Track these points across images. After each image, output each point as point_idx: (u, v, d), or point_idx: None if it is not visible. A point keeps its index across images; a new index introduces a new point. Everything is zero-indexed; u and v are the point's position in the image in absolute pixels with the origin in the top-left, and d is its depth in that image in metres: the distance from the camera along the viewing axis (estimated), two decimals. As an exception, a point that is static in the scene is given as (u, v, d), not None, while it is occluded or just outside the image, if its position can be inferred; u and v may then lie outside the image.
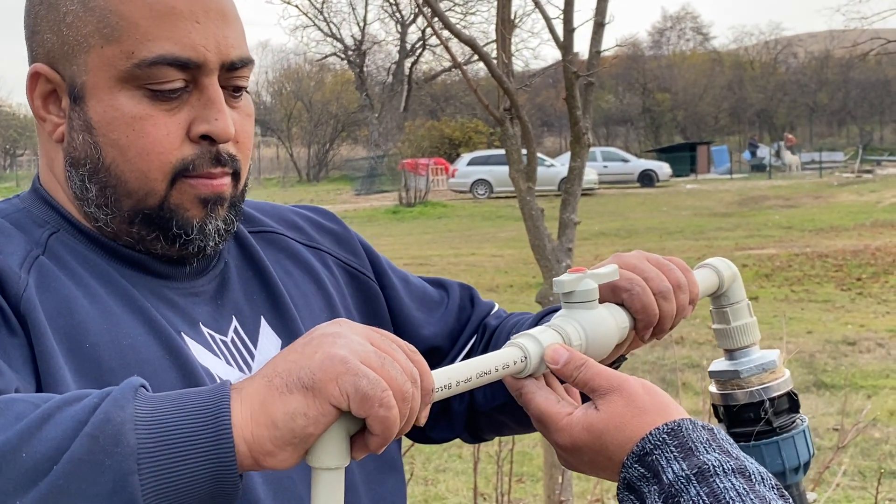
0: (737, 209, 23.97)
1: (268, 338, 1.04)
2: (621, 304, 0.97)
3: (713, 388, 1.00)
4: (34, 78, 0.98)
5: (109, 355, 0.90)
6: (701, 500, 0.74)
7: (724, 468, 0.75)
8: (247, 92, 1.02)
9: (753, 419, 0.95)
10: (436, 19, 3.98)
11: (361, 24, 46.12)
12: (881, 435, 5.89)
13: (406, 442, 1.24)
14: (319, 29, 45.87)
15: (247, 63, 0.98)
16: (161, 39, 0.92)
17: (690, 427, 0.79)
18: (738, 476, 0.75)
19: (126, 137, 0.94)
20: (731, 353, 1.01)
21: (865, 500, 3.78)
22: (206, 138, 0.95)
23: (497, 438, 1.99)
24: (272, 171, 47.88)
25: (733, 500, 0.73)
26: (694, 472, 0.75)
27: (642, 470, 0.78)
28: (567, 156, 3.35)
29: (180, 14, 0.93)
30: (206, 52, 0.94)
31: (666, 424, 0.80)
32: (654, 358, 6.73)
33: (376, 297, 1.17)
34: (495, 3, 3.82)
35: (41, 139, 1.01)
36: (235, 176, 0.99)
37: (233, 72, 0.97)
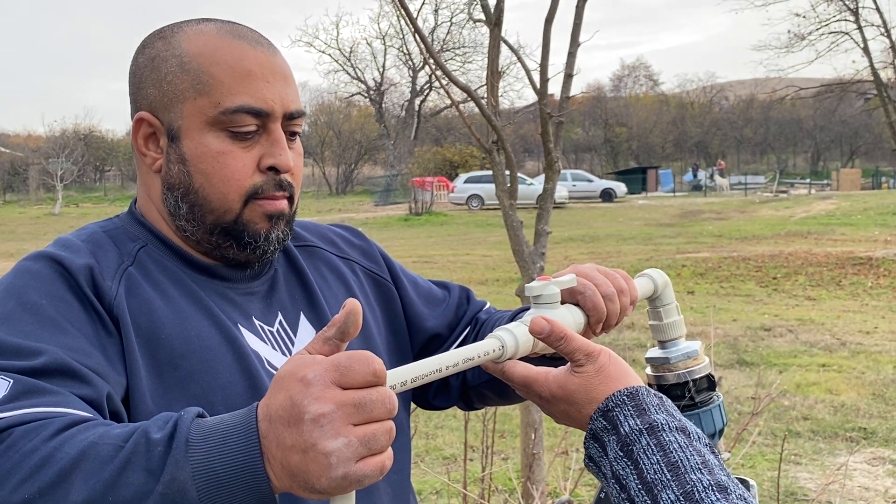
0: (678, 220, 23.86)
1: (305, 329, 1.05)
2: (577, 305, 0.98)
3: (648, 371, 1.00)
4: (139, 123, 0.99)
5: (179, 343, 0.91)
6: (650, 449, 0.74)
7: (669, 426, 0.75)
8: (300, 137, 1.03)
9: (680, 396, 0.95)
10: (438, 69, 4.00)
11: (381, 70, 46.10)
12: (789, 403, 5.88)
13: (413, 406, 1.25)
14: (347, 73, 45.98)
15: (301, 114, 1.01)
16: (241, 94, 0.95)
17: (645, 393, 0.79)
18: (679, 433, 0.75)
19: (212, 167, 0.96)
20: (663, 344, 1.01)
21: (774, 454, 3.78)
22: (272, 169, 0.97)
23: (484, 404, 1.99)
24: (308, 186, 47.64)
25: (675, 451, 0.73)
26: (646, 427, 0.75)
27: (605, 423, 0.77)
28: (543, 176, 3.37)
29: (255, 75, 0.96)
30: (273, 104, 0.96)
31: (626, 388, 0.79)
32: (611, 339, 6.73)
33: (392, 297, 1.17)
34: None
35: (140, 170, 1.02)
36: (290, 199, 1.01)
37: (291, 120, 0.99)
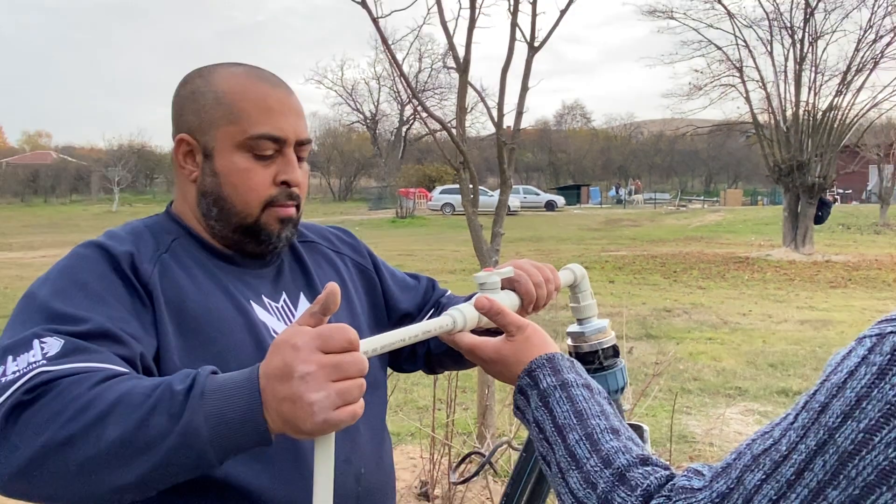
0: (603, 227, 24.08)
1: (304, 306, 1.04)
2: (514, 290, 0.98)
3: (569, 342, 1.00)
4: (179, 142, 0.98)
5: (202, 314, 0.91)
6: (562, 401, 0.74)
7: (577, 383, 0.75)
8: (306, 161, 1.02)
9: (591, 361, 0.96)
10: (419, 105, 3.99)
11: (375, 104, 46.15)
12: (683, 367, 5.94)
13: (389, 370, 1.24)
14: (349, 105, 46.18)
15: (309, 142, 1.00)
16: (263, 124, 0.94)
17: (560, 357, 0.79)
18: (584, 388, 0.75)
19: (238, 180, 0.95)
20: (580, 321, 1.01)
21: (670, 406, 3.84)
22: (285, 183, 0.97)
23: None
24: (315, 194, 47.38)
25: (581, 402, 0.73)
26: (559, 383, 0.75)
27: (529, 380, 0.77)
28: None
29: (275, 110, 0.95)
30: (288, 133, 0.96)
31: (546, 354, 0.79)
32: (549, 318, 6.78)
33: (374, 283, 1.16)
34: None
35: (178, 180, 1.01)
36: (297, 207, 1.01)
37: (300, 146, 0.99)
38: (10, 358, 0.74)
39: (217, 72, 0.98)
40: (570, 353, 0.98)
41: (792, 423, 0.54)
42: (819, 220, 15.59)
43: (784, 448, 0.53)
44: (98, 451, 0.66)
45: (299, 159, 0.99)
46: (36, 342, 0.75)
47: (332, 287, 0.69)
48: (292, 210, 0.99)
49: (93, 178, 43.07)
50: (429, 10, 3.71)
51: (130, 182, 42.86)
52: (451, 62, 3.72)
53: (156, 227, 0.99)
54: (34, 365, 0.72)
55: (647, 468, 0.64)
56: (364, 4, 3.53)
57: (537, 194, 35.40)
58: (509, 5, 3.65)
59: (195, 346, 0.88)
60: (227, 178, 0.95)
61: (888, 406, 0.48)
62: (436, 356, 1.15)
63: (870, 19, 15.46)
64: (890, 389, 0.49)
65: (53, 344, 0.75)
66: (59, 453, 0.67)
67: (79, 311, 0.80)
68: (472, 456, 1.14)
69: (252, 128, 0.94)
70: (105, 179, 39.89)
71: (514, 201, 27.69)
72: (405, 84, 3.93)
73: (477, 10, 3.64)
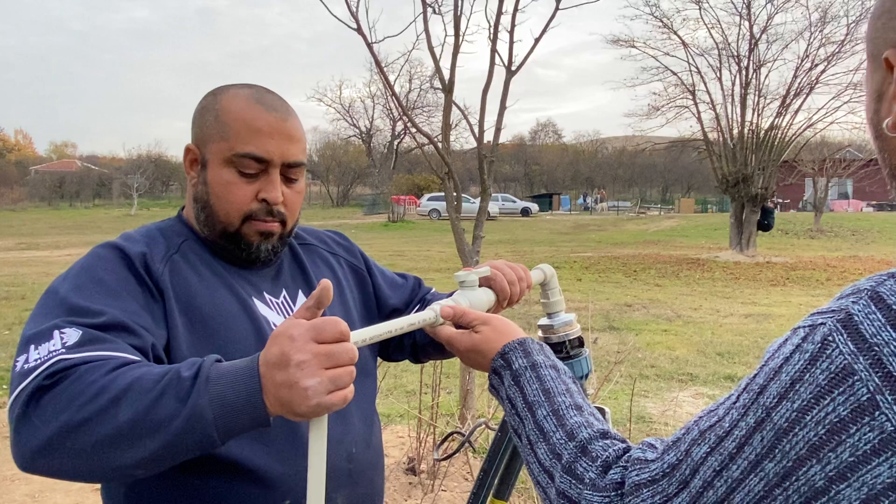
0: (572, 230, 24.19)
1: (302, 301, 1.02)
2: (490, 288, 0.98)
3: (540, 333, 0.99)
4: (188, 151, 0.97)
5: (208, 308, 0.89)
6: (532, 380, 0.73)
7: (545, 364, 0.75)
8: (301, 180, 0.99)
9: (560, 350, 0.96)
10: (409, 122, 3.98)
11: (370, 120, 46.02)
12: (642, 356, 5.98)
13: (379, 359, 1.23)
14: (346, 121, 45.92)
15: (299, 165, 0.96)
16: (250, 144, 0.92)
17: (530, 342, 0.79)
18: (552, 369, 0.75)
19: (223, 193, 0.93)
20: (549, 315, 1.00)
21: (629, 391, 3.86)
22: (264, 201, 0.94)
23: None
24: (316, 200, 47.21)
25: (548, 381, 0.73)
26: (529, 364, 0.75)
27: (503, 362, 0.77)
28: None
29: (262, 132, 0.93)
30: (273, 155, 0.93)
31: (518, 339, 0.79)
32: (523, 312, 6.79)
33: (366, 282, 1.15)
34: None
35: (188, 186, 0.99)
36: (283, 223, 0.97)
37: (289, 168, 0.96)
38: (32, 346, 0.73)
39: (226, 91, 0.96)
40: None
41: (734, 403, 0.54)
42: (766, 227, 15.77)
43: (727, 425, 0.54)
44: (112, 432, 0.65)
45: (290, 180, 0.96)
46: (56, 333, 0.74)
47: (325, 283, 0.68)
48: (273, 226, 0.95)
49: (114, 184, 42.54)
50: (417, 36, 3.70)
51: (148, 188, 42.46)
52: (437, 83, 3.72)
53: (167, 230, 0.97)
54: (54, 353, 0.71)
55: (606, 441, 0.64)
56: (360, 31, 3.52)
57: (514, 202, 35.48)
58: (489, 33, 3.66)
59: (202, 337, 0.87)
60: (214, 189, 0.94)
61: (818, 388, 0.49)
62: (421, 347, 1.14)
63: (806, 49, 15.73)
64: (820, 374, 0.49)
65: (72, 334, 0.74)
66: (77, 433, 0.66)
67: (96, 305, 0.78)
68: (454, 435, 1.13)
69: (238, 146, 0.92)
70: (125, 186, 39.48)
71: (493, 208, 27.79)
72: (396, 102, 3.92)
73: (461, 37, 3.65)
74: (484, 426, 1.12)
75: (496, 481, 0.99)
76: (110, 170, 46.81)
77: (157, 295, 0.86)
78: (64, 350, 0.72)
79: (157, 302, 0.85)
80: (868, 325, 0.48)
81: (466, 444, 1.04)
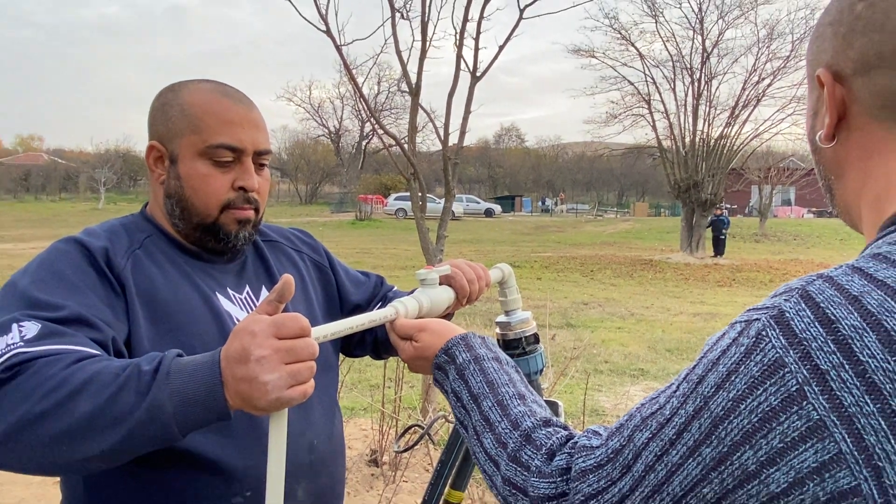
0: (533, 231, 24.39)
1: (265, 296, 0.99)
2: (450, 286, 0.98)
3: (497, 330, 0.99)
4: (150, 148, 0.95)
5: (171, 303, 0.88)
6: (476, 373, 0.73)
7: (487, 357, 0.74)
8: (267, 168, 0.99)
9: (516, 346, 0.96)
10: (377, 123, 3.96)
11: (339, 120, 45.46)
12: (596, 352, 6.06)
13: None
14: (315, 121, 45.23)
15: (267, 152, 0.97)
16: (223, 135, 0.91)
17: (472, 336, 0.78)
18: (495, 361, 0.74)
19: (199, 185, 0.92)
20: (507, 313, 1.00)
21: (584, 385, 3.91)
22: (242, 189, 0.94)
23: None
24: (285, 197, 46.54)
25: (491, 373, 0.72)
26: (473, 357, 0.74)
27: (446, 357, 0.76)
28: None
29: (234, 122, 0.92)
30: (246, 143, 0.93)
31: (459, 334, 0.78)
32: (485, 309, 6.82)
33: (329, 279, 1.14)
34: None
35: (150, 182, 0.97)
36: (256, 210, 0.97)
37: (259, 156, 0.96)
38: None
39: (185, 87, 0.94)
40: (498, 340, 0.98)
41: (675, 392, 0.56)
42: (721, 243, 15.93)
43: (668, 412, 0.55)
44: (70, 425, 0.64)
45: (260, 167, 0.96)
46: (14, 326, 0.71)
47: (287, 278, 0.68)
48: (250, 212, 0.95)
49: (81, 178, 41.18)
50: (386, 40, 3.69)
51: (116, 183, 41.15)
52: (404, 87, 3.71)
53: (130, 225, 0.95)
54: (12, 346, 0.69)
55: (549, 429, 0.65)
56: (329, 34, 3.48)
57: (478, 203, 35.61)
58: (455, 39, 3.67)
59: (164, 332, 0.85)
60: (189, 182, 0.92)
61: (752, 379, 0.50)
62: (382, 343, 1.13)
63: (754, 64, 16.28)
64: (754, 366, 0.51)
65: (31, 328, 0.72)
66: (34, 426, 0.64)
67: (55, 299, 0.76)
68: (414, 428, 1.13)
69: (212, 138, 0.91)
70: (92, 180, 38.22)
71: (457, 208, 27.85)
72: (364, 104, 3.90)
73: (428, 43, 3.65)
74: (443, 419, 1.12)
75: (454, 472, 1.00)
76: (77, 164, 45.21)
77: (119, 289, 0.84)
78: (22, 343, 0.70)
79: (118, 296, 0.83)
80: (798, 321, 0.50)
81: (426, 437, 1.04)
